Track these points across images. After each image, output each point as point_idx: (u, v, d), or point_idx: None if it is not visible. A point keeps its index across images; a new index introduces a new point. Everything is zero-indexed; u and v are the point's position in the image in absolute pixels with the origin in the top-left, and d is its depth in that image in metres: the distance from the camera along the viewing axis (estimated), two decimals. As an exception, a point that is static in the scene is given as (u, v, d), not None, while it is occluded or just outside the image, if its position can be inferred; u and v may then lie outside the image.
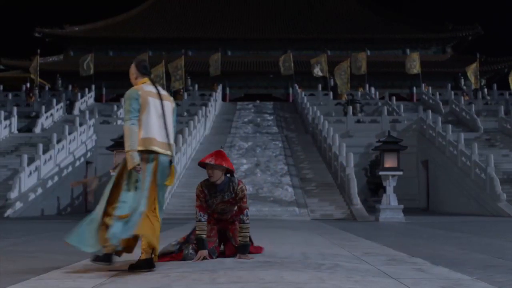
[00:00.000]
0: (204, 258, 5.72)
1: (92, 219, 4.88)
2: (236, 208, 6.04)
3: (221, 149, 6.05)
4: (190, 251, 5.79)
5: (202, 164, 5.96)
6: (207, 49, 53.31)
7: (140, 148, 4.93)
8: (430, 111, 31.69)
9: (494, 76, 53.16)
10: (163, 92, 5.27)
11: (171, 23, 60.08)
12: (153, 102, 5.08)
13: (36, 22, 74.98)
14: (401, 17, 61.66)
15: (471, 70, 41.20)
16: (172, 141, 5.18)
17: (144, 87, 5.14)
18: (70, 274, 4.72)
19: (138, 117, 4.99)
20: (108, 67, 51.10)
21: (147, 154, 4.97)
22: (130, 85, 5.30)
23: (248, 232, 5.98)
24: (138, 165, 4.88)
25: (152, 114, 5.04)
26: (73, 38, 56.44)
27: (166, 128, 5.12)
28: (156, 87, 5.23)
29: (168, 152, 5.11)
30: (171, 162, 5.16)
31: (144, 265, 4.85)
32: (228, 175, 6.00)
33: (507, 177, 24.23)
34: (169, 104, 5.25)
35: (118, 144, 18.48)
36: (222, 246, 6.21)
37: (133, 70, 5.28)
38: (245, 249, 5.92)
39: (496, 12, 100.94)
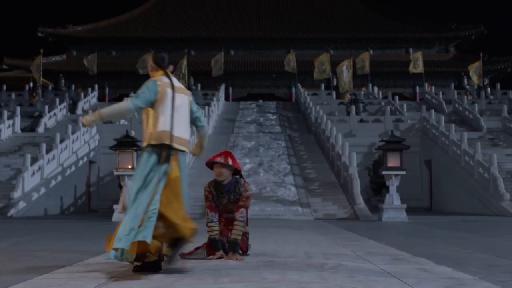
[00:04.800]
0: (220, 257, 5.73)
1: None
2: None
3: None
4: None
5: (210, 164, 5.97)
6: (210, 48, 53.30)
7: (154, 142, 4.81)
8: (433, 111, 31.60)
9: (497, 75, 53.04)
10: (178, 85, 5.09)
11: (174, 23, 60.11)
12: (170, 95, 4.92)
13: (39, 22, 75.20)
14: (404, 16, 61.57)
15: (474, 69, 41.09)
16: (187, 136, 5.01)
17: (163, 79, 5.01)
18: (73, 274, 4.72)
19: (142, 105, 4.86)
20: (111, 67, 51.19)
21: (159, 148, 4.80)
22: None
23: (241, 229, 5.87)
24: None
25: (168, 107, 4.88)
26: (76, 38, 56.50)
27: (181, 123, 4.96)
28: (171, 79, 5.06)
29: (184, 148, 4.95)
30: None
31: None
32: (237, 176, 6.04)
33: (511, 176, 24.17)
34: (185, 97, 5.09)
35: (121, 144, 18.50)
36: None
37: (150, 62, 5.14)
38: (235, 247, 5.79)
39: (499, 11, 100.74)
